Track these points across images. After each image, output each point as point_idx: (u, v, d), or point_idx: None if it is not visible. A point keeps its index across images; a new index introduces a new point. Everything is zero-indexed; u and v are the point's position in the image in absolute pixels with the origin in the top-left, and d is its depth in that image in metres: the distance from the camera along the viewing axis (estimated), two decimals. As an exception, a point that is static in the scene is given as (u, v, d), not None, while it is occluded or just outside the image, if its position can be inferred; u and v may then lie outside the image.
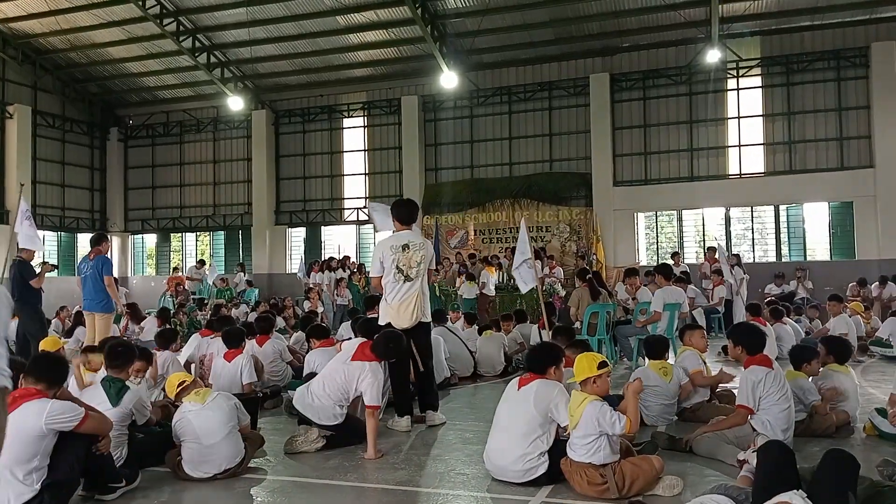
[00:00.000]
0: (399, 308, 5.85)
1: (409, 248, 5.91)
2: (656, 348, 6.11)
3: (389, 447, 5.29)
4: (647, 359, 6.43)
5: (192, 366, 7.68)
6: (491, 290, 14.48)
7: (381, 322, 6.02)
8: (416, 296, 5.87)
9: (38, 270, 9.61)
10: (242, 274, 19.76)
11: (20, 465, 3.66)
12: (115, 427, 4.38)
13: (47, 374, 3.91)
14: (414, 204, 6.36)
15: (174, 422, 4.65)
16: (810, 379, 5.55)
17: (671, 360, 6.30)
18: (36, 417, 3.69)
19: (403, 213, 6.14)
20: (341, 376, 5.28)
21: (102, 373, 4.99)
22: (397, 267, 5.87)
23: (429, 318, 6.18)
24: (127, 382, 4.82)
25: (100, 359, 5.53)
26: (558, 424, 4.29)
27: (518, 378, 4.55)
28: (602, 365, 4.18)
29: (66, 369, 4.10)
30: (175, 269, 20.93)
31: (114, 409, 4.50)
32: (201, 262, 20.42)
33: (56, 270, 10.60)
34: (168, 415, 5.11)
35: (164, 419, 5.17)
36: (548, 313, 8.70)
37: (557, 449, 4.23)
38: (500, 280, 15.48)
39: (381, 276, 5.98)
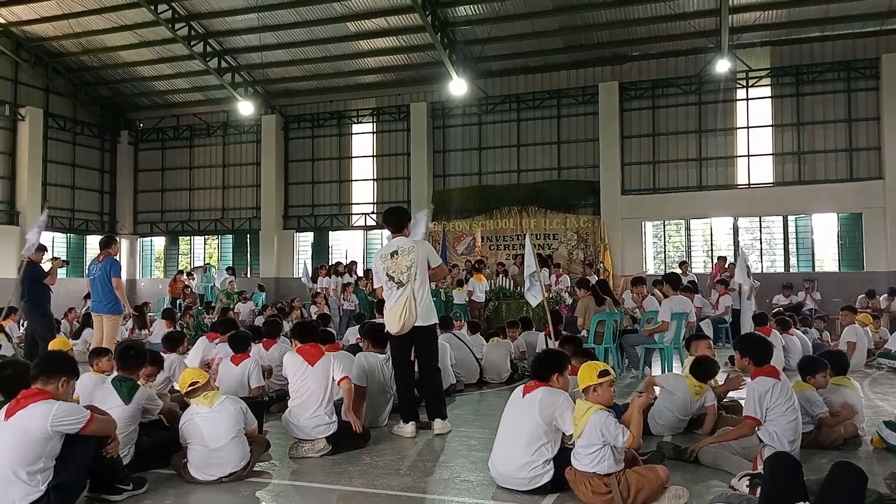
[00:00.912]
0: (389, 313, 5.85)
1: (397, 255, 5.92)
2: (703, 371, 5.79)
3: (394, 453, 5.29)
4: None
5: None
6: (479, 297, 14.47)
7: (385, 330, 6.09)
8: (406, 300, 5.76)
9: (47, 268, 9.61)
10: (232, 278, 19.61)
11: (25, 467, 3.65)
12: (126, 425, 4.40)
13: (47, 370, 3.91)
14: (402, 211, 6.42)
15: (181, 424, 4.66)
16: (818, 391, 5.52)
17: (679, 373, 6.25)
18: (41, 419, 3.67)
19: (392, 221, 6.23)
20: (317, 384, 5.30)
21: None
22: (388, 275, 5.91)
23: (427, 323, 5.95)
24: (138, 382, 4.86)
25: (107, 362, 5.55)
26: (563, 433, 4.28)
27: (523, 385, 4.54)
28: (603, 373, 4.14)
29: (69, 363, 4.08)
30: (181, 271, 20.86)
31: (126, 407, 4.54)
32: (208, 267, 20.47)
33: (66, 266, 10.64)
34: (175, 418, 5.12)
35: (170, 422, 5.18)
36: (554, 322, 8.68)
37: (563, 457, 4.21)
38: (508, 286, 15.46)
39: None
